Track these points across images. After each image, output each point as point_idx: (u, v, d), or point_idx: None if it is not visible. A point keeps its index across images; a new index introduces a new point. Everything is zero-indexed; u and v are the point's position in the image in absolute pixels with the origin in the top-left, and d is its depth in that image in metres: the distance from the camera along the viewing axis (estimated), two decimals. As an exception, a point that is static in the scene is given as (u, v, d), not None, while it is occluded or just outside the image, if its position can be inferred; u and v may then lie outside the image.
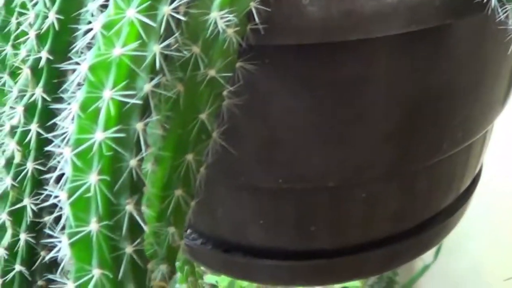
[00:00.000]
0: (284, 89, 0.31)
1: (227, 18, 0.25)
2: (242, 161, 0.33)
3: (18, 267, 0.30)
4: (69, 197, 0.23)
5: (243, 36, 0.27)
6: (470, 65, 0.33)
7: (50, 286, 0.29)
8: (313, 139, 0.33)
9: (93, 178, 0.23)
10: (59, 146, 0.25)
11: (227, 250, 0.39)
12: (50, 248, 0.30)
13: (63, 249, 0.24)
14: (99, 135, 0.23)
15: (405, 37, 0.31)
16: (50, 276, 0.28)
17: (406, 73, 0.33)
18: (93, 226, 0.23)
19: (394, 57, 0.32)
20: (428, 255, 1.46)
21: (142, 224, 0.23)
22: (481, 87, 0.34)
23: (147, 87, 0.24)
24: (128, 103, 0.23)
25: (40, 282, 0.30)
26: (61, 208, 0.29)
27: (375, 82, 0.32)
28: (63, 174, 0.26)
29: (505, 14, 0.27)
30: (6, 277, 0.30)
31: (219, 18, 0.25)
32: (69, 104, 0.25)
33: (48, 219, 0.29)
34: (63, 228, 0.25)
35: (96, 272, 0.24)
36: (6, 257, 0.30)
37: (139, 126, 0.24)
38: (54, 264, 0.31)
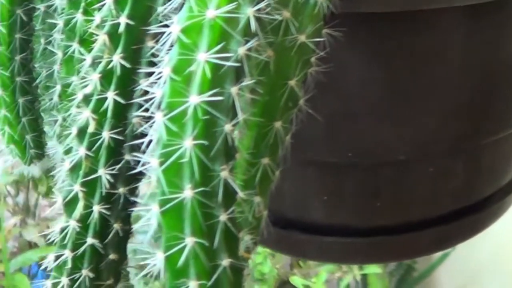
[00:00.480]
0: (360, 60, 0.31)
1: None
2: (312, 135, 0.32)
3: (90, 240, 0.29)
4: (162, 163, 0.23)
5: (331, 2, 0.26)
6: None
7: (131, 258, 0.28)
8: (386, 112, 0.32)
9: (188, 143, 0.22)
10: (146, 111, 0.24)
11: (284, 226, 0.38)
12: (123, 220, 0.29)
13: (152, 218, 0.24)
14: (194, 99, 0.23)
15: (481, 7, 0.30)
16: (135, 246, 0.27)
17: (481, 45, 0.32)
18: (188, 192, 0.23)
19: (471, 28, 0.31)
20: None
21: (238, 191, 0.23)
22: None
23: (242, 50, 0.23)
24: (223, 66, 0.23)
25: (112, 256, 0.30)
26: (137, 179, 0.29)
27: (450, 53, 0.31)
28: (142, 142, 0.25)
29: None
30: (77, 251, 0.29)
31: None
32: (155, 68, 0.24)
33: (122, 191, 0.29)
34: (151, 196, 0.24)
35: (190, 240, 0.23)
36: (78, 229, 0.29)
37: (233, 90, 0.23)
38: (126, 238, 0.30)
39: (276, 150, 0.26)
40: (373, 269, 1.32)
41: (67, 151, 0.30)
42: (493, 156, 0.37)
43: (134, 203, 0.29)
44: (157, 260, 0.24)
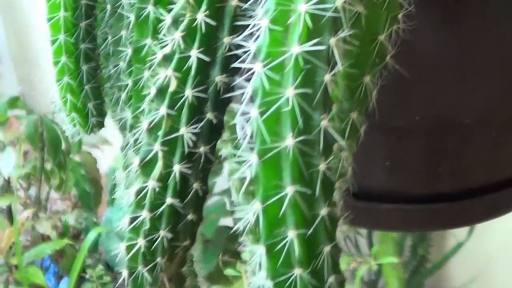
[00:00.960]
0: (433, 22, 0.31)
1: None
2: (380, 98, 0.32)
3: (169, 200, 0.29)
4: (263, 112, 0.23)
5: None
6: None
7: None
8: (455, 76, 0.32)
9: (290, 92, 0.23)
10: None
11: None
12: (202, 179, 0.29)
13: (251, 168, 0.24)
14: (295, 49, 0.23)
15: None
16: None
17: None
18: (289, 141, 0.23)
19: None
20: (461, 233, 1.46)
21: (339, 139, 0.23)
22: None
23: (339, 1, 0.23)
24: (323, 16, 0.23)
25: (190, 216, 0.30)
26: (218, 137, 0.29)
27: None
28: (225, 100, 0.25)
29: None
30: (156, 211, 0.29)
31: None
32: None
33: (203, 149, 0.29)
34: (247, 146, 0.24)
35: (290, 189, 0.23)
36: (157, 189, 0.29)
37: (332, 41, 0.23)
38: (204, 198, 0.30)
39: (364, 105, 0.26)
40: (388, 260, 1.32)
41: (142, 114, 0.30)
42: None
43: (213, 162, 0.29)
44: (254, 211, 0.24)
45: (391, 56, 0.26)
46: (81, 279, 1.56)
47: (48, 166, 1.70)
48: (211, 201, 1.65)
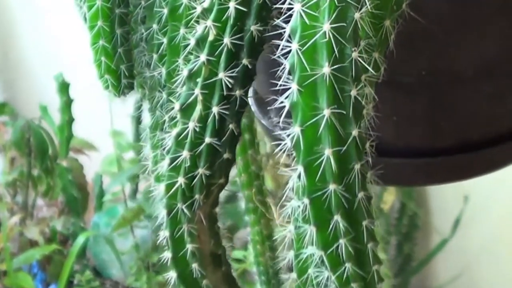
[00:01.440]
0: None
1: None
2: (391, 55, 0.36)
3: (208, 139, 0.33)
4: (303, 45, 0.27)
5: None
6: None
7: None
8: (459, 32, 0.36)
9: (327, 26, 0.27)
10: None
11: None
12: (237, 121, 0.33)
13: (291, 95, 0.27)
14: None
15: None
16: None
17: None
18: (326, 69, 0.27)
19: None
20: (445, 230, 1.50)
21: (369, 68, 0.27)
22: None
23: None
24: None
25: (226, 155, 0.34)
26: (251, 81, 0.32)
27: None
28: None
29: None
30: (196, 150, 0.33)
31: None
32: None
33: (239, 92, 0.33)
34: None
35: (327, 111, 0.27)
36: (197, 129, 0.33)
37: None
38: (238, 138, 0.34)
39: (384, 46, 0.30)
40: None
41: (177, 69, 0.34)
42: None
43: (246, 105, 0.33)
44: (294, 133, 0.28)
45: (406, 4, 0.30)
46: (69, 285, 1.58)
47: (35, 172, 1.72)
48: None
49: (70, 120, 1.76)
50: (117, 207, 1.77)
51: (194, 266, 0.35)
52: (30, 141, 1.75)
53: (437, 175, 0.43)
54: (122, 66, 0.40)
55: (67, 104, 1.75)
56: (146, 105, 0.44)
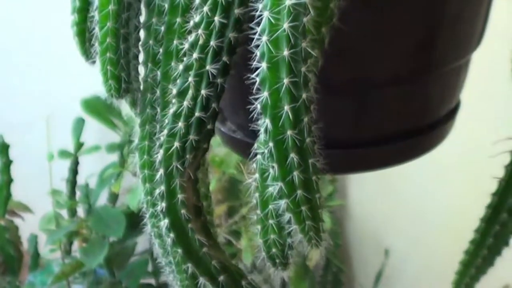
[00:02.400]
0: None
1: None
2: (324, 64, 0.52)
3: (198, 114, 0.47)
4: (270, 36, 0.42)
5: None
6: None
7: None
8: (371, 45, 0.53)
9: (286, 25, 0.42)
10: None
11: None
12: (217, 101, 0.47)
13: (262, 72, 0.42)
14: (288, 2, 0.42)
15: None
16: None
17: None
18: (286, 53, 0.42)
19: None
20: (369, 284, 1.65)
21: (312, 54, 0.42)
22: (473, 19, 0.56)
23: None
24: (301, -15, 0.42)
25: (209, 126, 0.48)
26: (228, 71, 0.47)
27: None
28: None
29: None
30: (189, 120, 0.47)
31: None
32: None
33: (219, 80, 0.47)
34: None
35: (286, 80, 0.42)
36: (190, 106, 0.47)
37: (307, 0, 0.43)
38: (218, 114, 0.48)
39: (322, 45, 0.45)
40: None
41: (170, 70, 0.48)
42: (444, 84, 0.58)
43: (224, 89, 0.47)
44: (263, 96, 0.42)
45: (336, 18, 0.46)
46: None
47: (-28, 232, 1.78)
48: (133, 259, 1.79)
49: (9, 181, 1.85)
50: (52, 265, 1.84)
51: (183, 212, 0.48)
52: (-33, 203, 1.81)
53: (360, 164, 0.59)
54: (123, 74, 0.54)
55: (6, 165, 1.85)
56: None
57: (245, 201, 1.77)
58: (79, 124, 2.12)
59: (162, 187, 0.48)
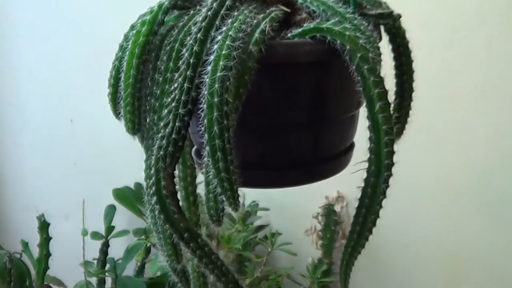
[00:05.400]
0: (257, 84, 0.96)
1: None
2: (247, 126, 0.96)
3: (174, 136, 0.92)
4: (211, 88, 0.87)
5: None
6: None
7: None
8: (278, 113, 0.97)
9: (216, 86, 0.87)
10: None
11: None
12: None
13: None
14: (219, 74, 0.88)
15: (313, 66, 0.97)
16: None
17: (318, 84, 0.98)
18: (217, 85, 0.87)
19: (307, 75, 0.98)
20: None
21: (230, 99, 0.87)
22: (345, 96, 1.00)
23: (230, 62, 0.89)
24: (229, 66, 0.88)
25: (180, 144, 0.92)
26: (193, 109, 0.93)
27: (300, 88, 0.98)
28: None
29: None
30: (175, 132, 0.92)
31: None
32: None
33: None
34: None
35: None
36: (177, 125, 0.92)
37: (230, 73, 0.88)
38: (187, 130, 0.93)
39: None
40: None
41: (164, 106, 0.94)
42: (337, 131, 1.01)
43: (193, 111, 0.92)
44: (204, 122, 0.87)
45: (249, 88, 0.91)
46: None
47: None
48: None
49: (47, 255, 2.31)
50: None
51: (164, 192, 0.91)
52: (11, 271, 2.28)
53: (269, 182, 1.02)
54: (136, 120, 0.99)
55: (46, 240, 2.32)
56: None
57: (251, 274, 2.18)
58: (111, 211, 2.60)
59: (153, 178, 0.92)
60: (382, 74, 0.89)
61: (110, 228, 2.57)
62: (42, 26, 2.77)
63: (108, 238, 2.53)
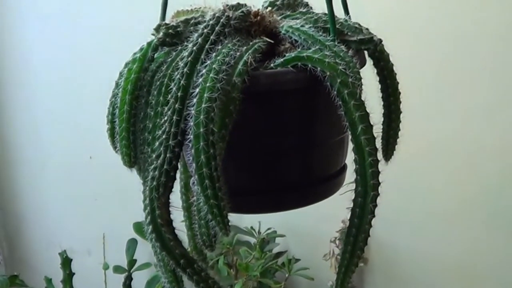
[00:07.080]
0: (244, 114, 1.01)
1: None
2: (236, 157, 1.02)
3: (165, 167, 0.98)
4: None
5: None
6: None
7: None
8: (272, 138, 1.02)
9: (202, 117, 0.93)
10: None
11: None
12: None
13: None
14: (204, 105, 0.93)
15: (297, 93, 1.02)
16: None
17: (304, 111, 1.03)
18: (202, 117, 0.92)
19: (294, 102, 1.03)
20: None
21: (215, 131, 0.92)
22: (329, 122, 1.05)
23: (215, 94, 0.94)
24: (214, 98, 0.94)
25: (172, 174, 0.98)
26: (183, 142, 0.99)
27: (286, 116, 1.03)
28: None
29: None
30: (167, 165, 0.98)
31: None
32: None
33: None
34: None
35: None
36: (167, 159, 0.98)
37: (215, 103, 0.94)
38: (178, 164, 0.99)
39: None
40: None
41: (156, 138, 1.00)
42: (328, 154, 1.06)
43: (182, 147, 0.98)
44: (192, 152, 0.92)
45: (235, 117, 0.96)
46: None
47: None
48: None
49: (71, 290, 2.37)
50: None
51: (159, 221, 0.97)
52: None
53: (261, 206, 1.07)
54: (132, 153, 1.05)
55: (69, 276, 2.38)
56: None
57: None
58: (132, 244, 2.66)
59: (148, 208, 0.97)
60: (363, 98, 0.93)
61: (132, 262, 2.63)
62: (59, 66, 2.87)
63: (131, 271, 2.59)
